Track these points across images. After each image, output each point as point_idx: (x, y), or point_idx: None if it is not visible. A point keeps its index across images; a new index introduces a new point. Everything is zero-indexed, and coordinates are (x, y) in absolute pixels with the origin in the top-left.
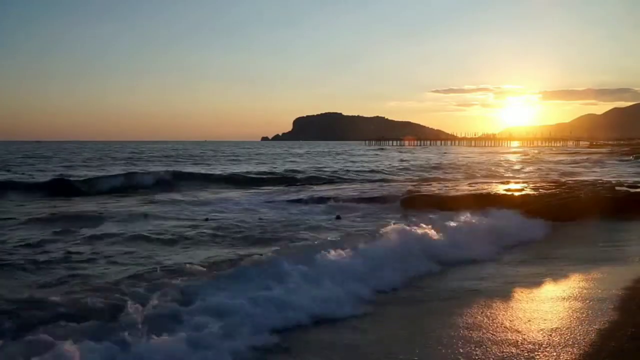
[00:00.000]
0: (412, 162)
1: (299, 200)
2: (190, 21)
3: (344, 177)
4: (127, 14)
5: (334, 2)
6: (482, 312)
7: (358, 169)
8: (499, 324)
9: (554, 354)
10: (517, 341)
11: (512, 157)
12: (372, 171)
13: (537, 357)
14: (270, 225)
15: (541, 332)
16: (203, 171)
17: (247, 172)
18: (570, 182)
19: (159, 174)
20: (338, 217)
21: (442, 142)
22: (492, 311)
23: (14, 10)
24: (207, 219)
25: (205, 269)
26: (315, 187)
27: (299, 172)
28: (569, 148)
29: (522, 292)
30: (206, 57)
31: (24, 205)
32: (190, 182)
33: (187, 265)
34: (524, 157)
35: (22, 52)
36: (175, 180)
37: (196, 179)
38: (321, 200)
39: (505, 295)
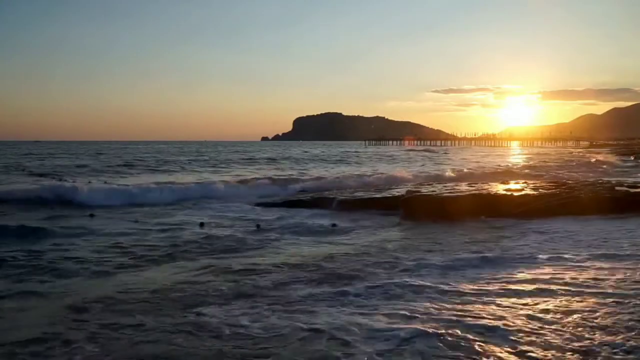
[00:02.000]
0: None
1: None
2: (190, 22)
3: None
4: (127, 15)
5: (334, 2)
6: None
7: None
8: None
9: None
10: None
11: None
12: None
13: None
14: None
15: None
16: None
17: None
18: (570, 182)
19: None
20: None
21: (442, 142)
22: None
23: (14, 10)
24: None
25: None
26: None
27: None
28: (570, 148)
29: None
30: (206, 58)
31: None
32: None
33: None
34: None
35: (22, 52)
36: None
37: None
38: None
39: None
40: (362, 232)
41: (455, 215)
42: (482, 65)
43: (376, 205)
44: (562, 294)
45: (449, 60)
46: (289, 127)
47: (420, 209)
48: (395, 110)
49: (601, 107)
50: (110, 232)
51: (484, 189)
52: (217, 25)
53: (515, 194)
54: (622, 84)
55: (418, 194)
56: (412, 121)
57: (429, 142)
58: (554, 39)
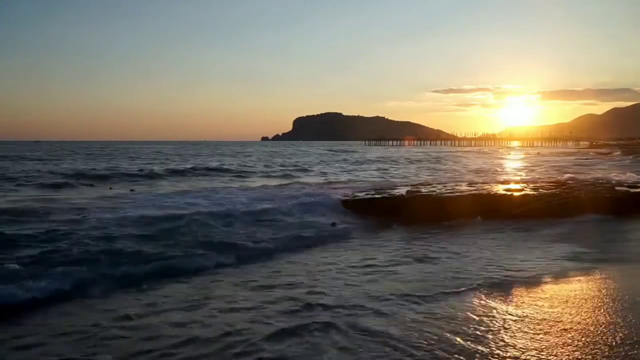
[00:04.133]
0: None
1: None
2: (190, 22)
3: None
4: (127, 15)
5: (334, 2)
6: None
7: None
8: (502, 322)
9: (564, 357)
10: (524, 341)
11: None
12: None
13: (546, 358)
14: None
15: (550, 332)
16: None
17: None
18: (570, 182)
19: None
20: None
21: (442, 142)
22: (495, 309)
23: (14, 10)
24: None
25: None
26: None
27: None
28: (570, 148)
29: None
30: (206, 58)
31: None
32: None
33: None
34: None
35: (22, 52)
36: None
37: None
38: None
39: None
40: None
41: (454, 215)
42: (482, 65)
43: (376, 205)
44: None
45: (449, 60)
46: (289, 127)
47: (420, 209)
48: (395, 110)
49: (601, 107)
50: None
51: (484, 189)
52: (217, 25)
53: (515, 194)
54: (622, 84)
55: (418, 194)
56: (412, 121)
57: (429, 142)
58: (554, 39)
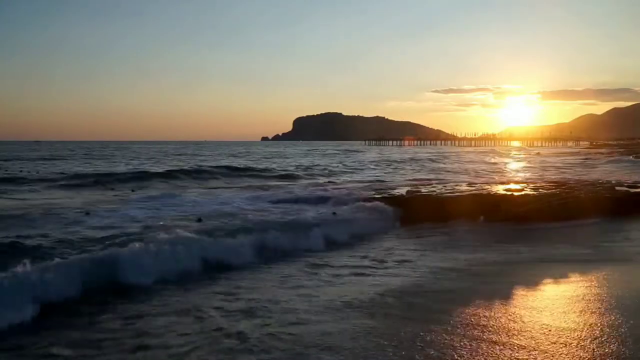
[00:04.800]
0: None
1: None
2: (190, 22)
3: None
4: (127, 15)
5: (333, 2)
6: (482, 312)
7: None
8: (500, 325)
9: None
10: (520, 343)
11: None
12: None
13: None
14: None
15: (545, 334)
16: None
17: None
18: (570, 182)
19: None
20: None
21: (442, 142)
22: (493, 311)
23: (14, 10)
24: None
25: None
26: None
27: None
28: (570, 148)
29: (524, 292)
30: (206, 58)
31: None
32: None
33: None
34: None
35: (22, 52)
36: None
37: None
38: None
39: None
40: None
41: (454, 216)
42: (482, 65)
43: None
44: None
45: (449, 60)
46: (289, 127)
47: (420, 210)
48: (395, 110)
49: (601, 107)
50: None
51: (484, 189)
52: (217, 25)
53: (515, 194)
54: (622, 84)
55: (418, 194)
56: (412, 121)
57: (429, 142)
58: (554, 39)
